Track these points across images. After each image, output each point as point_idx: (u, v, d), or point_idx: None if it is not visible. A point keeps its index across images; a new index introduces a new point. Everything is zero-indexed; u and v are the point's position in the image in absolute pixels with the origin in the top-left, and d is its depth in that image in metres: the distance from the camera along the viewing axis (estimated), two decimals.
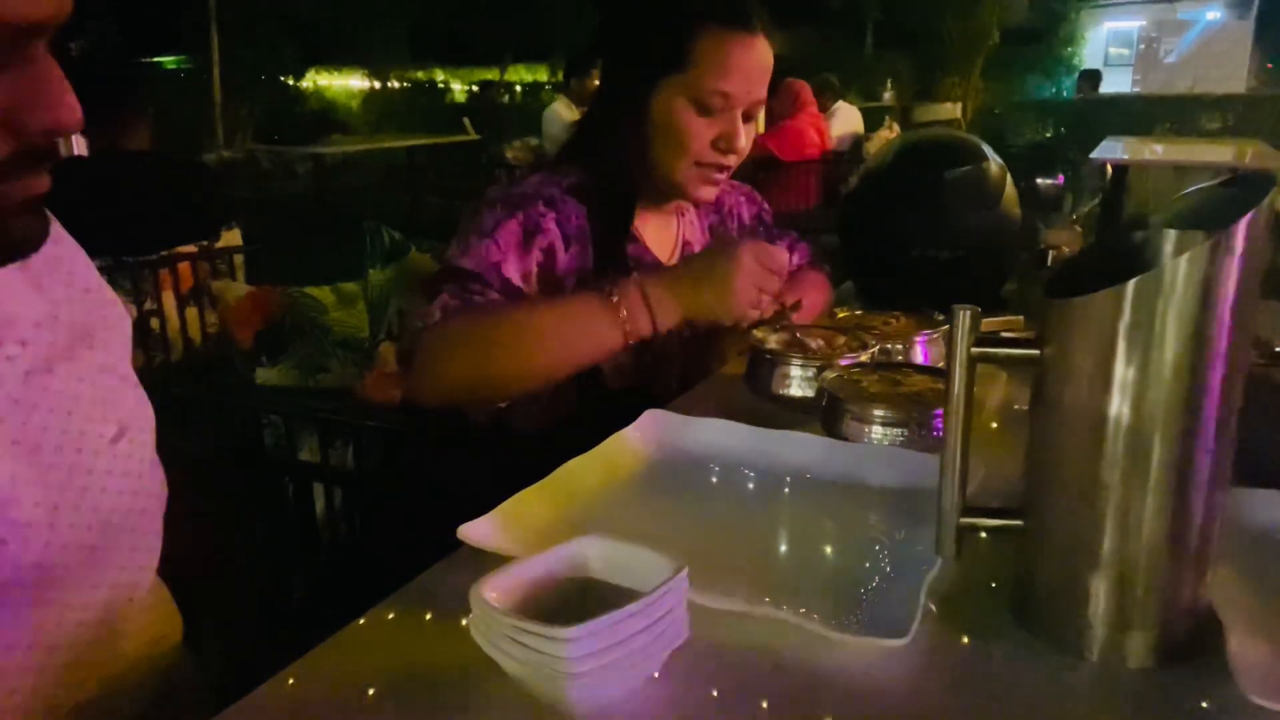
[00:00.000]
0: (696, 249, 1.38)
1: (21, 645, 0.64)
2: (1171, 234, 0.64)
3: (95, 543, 0.67)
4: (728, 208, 1.46)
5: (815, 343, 1.18)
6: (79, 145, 2.68)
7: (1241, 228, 0.58)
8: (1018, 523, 0.70)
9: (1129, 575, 0.64)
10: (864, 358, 1.14)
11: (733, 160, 1.24)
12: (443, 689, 0.64)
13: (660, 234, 1.34)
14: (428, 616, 0.72)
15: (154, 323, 2.52)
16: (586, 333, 1.08)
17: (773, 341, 1.18)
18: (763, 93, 1.22)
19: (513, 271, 1.14)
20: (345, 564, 1.31)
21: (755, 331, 1.20)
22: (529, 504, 0.85)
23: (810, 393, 1.11)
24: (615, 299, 1.07)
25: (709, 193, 1.27)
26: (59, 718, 0.67)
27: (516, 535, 0.79)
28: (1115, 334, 0.61)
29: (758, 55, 1.20)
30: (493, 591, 0.61)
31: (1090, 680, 0.64)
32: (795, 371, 1.13)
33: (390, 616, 0.72)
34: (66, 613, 0.67)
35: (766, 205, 1.53)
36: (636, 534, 0.68)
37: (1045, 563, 0.68)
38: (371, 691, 0.64)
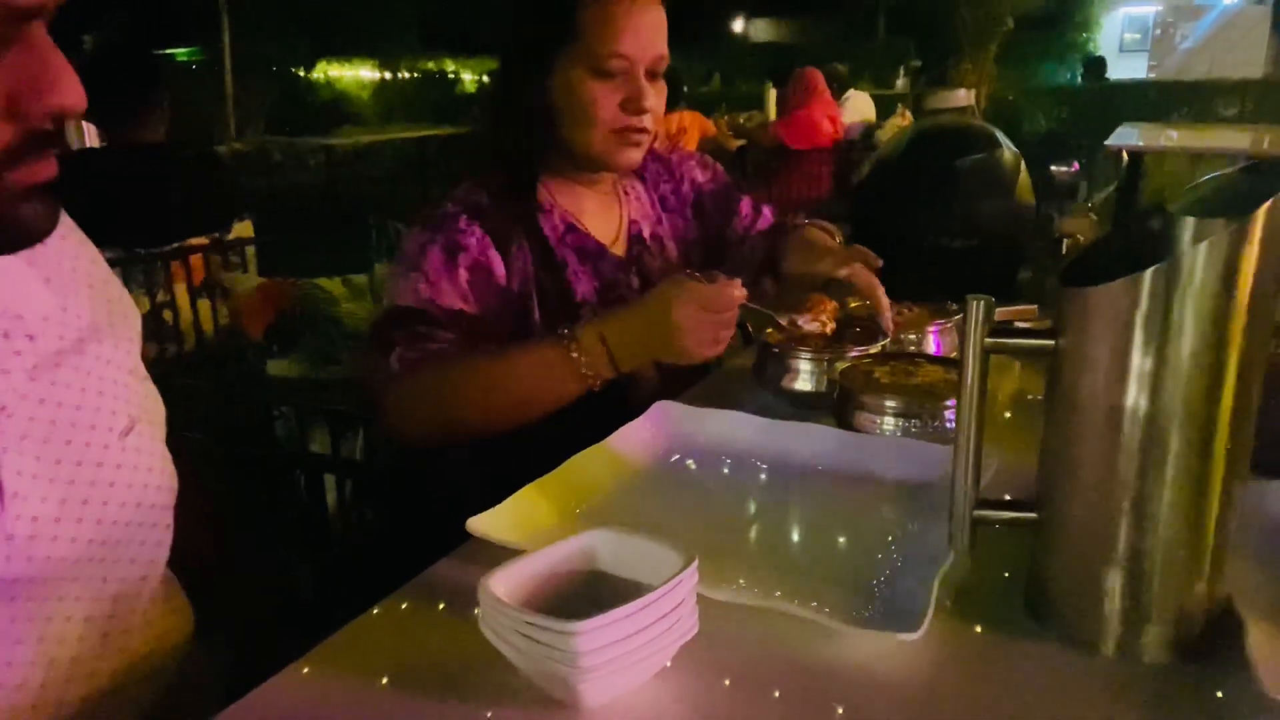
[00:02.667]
0: (646, 228, 1.34)
1: (31, 639, 0.64)
2: (1189, 222, 0.63)
3: (105, 537, 0.67)
4: (679, 174, 1.42)
5: (822, 334, 1.17)
6: (91, 137, 2.68)
7: (1261, 216, 0.57)
8: (1032, 515, 0.69)
9: (1145, 569, 0.63)
10: (874, 350, 1.14)
11: (647, 121, 1.20)
12: (456, 679, 0.64)
13: (602, 216, 1.30)
14: (440, 607, 0.72)
15: (167, 315, 2.53)
16: (547, 384, 1.06)
17: (780, 335, 1.17)
18: (662, 48, 1.19)
19: (450, 298, 1.12)
20: (356, 556, 1.31)
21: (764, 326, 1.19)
22: (538, 496, 0.85)
23: (818, 387, 1.10)
24: (573, 350, 1.04)
25: (634, 156, 1.23)
26: (68, 710, 0.67)
27: (526, 528, 0.79)
28: (1132, 324, 0.60)
29: (647, 12, 1.17)
30: (501, 585, 0.61)
31: (1105, 675, 0.64)
32: (804, 365, 1.12)
33: (403, 607, 0.72)
34: (76, 606, 0.67)
35: (719, 167, 1.48)
36: (646, 527, 0.68)
37: (1060, 556, 0.67)
38: (385, 681, 0.64)
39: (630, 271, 1.29)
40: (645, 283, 1.29)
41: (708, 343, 1.03)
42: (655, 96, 1.20)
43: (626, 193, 1.36)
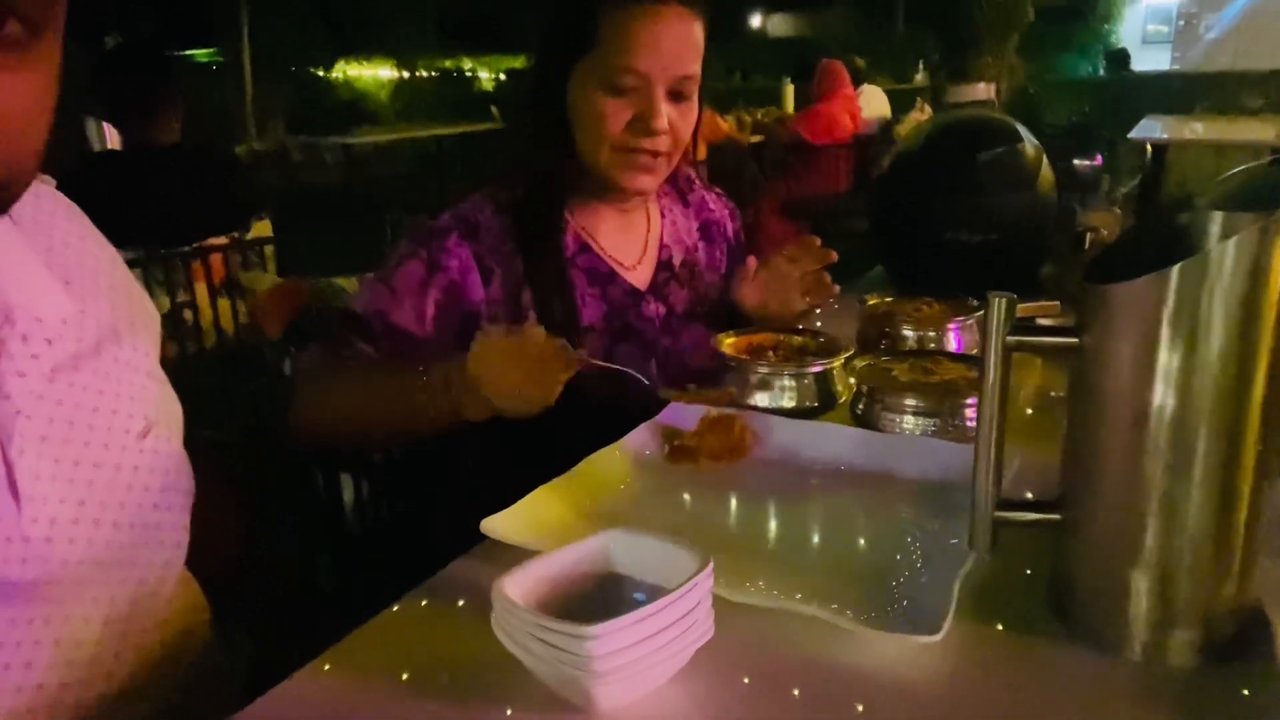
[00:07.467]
0: (678, 255, 1.28)
1: (49, 640, 0.64)
2: (1217, 216, 0.62)
3: (122, 539, 0.67)
4: (717, 217, 1.37)
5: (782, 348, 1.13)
6: (111, 138, 2.71)
7: None
8: (1055, 516, 0.68)
9: (1172, 571, 0.62)
10: (836, 363, 1.08)
11: (661, 144, 1.13)
12: (477, 676, 0.63)
13: (621, 237, 1.24)
14: (460, 604, 0.72)
15: (187, 314, 2.55)
16: (407, 412, 1.02)
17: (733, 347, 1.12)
18: (689, 68, 1.12)
19: (404, 316, 1.10)
20: (373, 554, 1.32)
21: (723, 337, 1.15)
22: (553, 497, 0.84)
23: (775, 402, 1.07)
24: (423, 385, 0.99)
25: (643, 181, 1.16)
26: (87, 710, 0.67)
27: (540, 528, 0.78)
28: (1159, 321, 0.58)
29: (671, 27, 1.10)
30: (515, 588, 0.60)
31: (1131, 678, 0.62)
32: (768, 379, 1.07)
33: (423, 604, 0.72)
34: (94, 608, 0.67)
35: (739, 224, 1.43)
36: (662, 527, 0.67)
37: (1084, 558, 0.66)
38: (405, 677, 0.64)
39: (641, 300, 1.23)
40: (669, 312, 1.25)
41: (518, 390, 0.95)
42: (678, 118, 1.13)
43: (664, 214, 1.30)
